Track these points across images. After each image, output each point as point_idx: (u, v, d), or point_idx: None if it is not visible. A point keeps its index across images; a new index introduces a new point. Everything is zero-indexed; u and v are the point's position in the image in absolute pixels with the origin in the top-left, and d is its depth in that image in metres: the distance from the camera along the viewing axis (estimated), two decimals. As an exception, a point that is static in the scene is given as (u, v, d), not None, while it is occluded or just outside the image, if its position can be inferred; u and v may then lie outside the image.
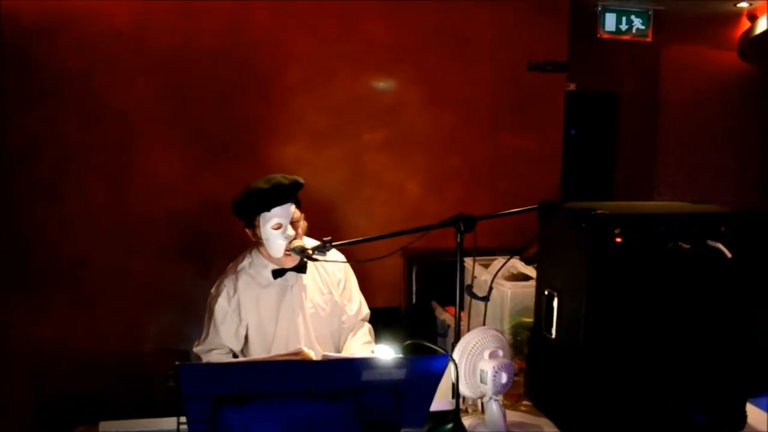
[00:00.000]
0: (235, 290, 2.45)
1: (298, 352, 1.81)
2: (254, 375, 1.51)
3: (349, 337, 2.57)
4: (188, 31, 3.46)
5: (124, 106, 3.41)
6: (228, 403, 1.47)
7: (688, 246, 1.81)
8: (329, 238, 2.22)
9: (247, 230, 2.45)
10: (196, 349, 2.47)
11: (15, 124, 3.28)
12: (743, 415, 1.92)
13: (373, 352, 2.43)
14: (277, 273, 2.44)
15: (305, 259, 2.40)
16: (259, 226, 2.37)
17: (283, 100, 3.63)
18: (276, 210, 2.34)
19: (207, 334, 2.46)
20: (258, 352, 2.46)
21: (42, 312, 3.35)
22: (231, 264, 2.54)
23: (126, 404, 3.25)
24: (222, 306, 2.44)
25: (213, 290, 2.50)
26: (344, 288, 2.59)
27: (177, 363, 1.43)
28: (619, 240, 1.78)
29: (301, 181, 2.42)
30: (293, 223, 2.37)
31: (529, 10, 3.90)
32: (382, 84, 3.79)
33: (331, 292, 2.55)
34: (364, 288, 2.69)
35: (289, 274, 2.45)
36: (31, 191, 3.33)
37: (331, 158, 3.73)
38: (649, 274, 1.81)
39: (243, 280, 2.46)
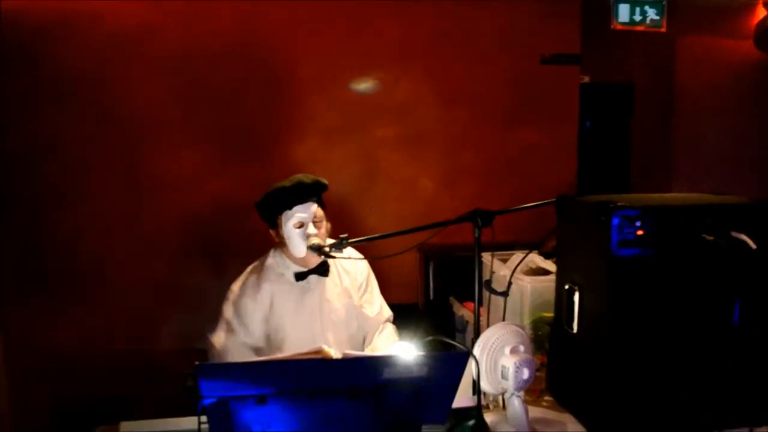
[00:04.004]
0: (258, 286, 2.44)
1: (318, 351, 1.81)
2: (274, 374, 1.50)
3: (375, 336, 2.55)
4: (199, 30, 3.45)
5: (136, 107, 3.41)
6: (248, 402, 1.47)
7: (711, 238, 1.78)
8: (346, 234, 2.21)
9: (271, 231, 2.45)
10: (219, 346, 2.40)
11: (28, 128, 3.30)
12: (770, 409, 1.89)
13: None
14: (300, 276, 2.43)
15: (327, 262, 2.40)
16: (281, 225, 2.37)
17: (295, 99, 3.62)
18: (297, 208, 2.35)
19: (231, 332, 2.41)
20: (276, 351, 2.45)
21: (59, 314, 3.36)
22: (255, 263, 2.53)
23: (144, 404, 3.25)
24: (247, 304, 2.43)
25: (236, 288, 2.47)
26: (365, 291, 2.58)
27: (196, 363, 1.42)
28: (640, 233, 1.76)
29: (325, 181, 2.43)
30: (315, 223, 2.36)
31: (540, 2, 3.87)
32: (394, 81, 3.76)
33: (350, 297, 2.54)
34: (380, 285, 2.67)
35: (311, 277, 2.44)
36: (45, 194, 3.34)
37: (344, 156, 3.71)
38: (672, 266, 1.79)
39: (267, 279, 2.45)
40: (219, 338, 2.43)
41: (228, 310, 2.45)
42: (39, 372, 3.37)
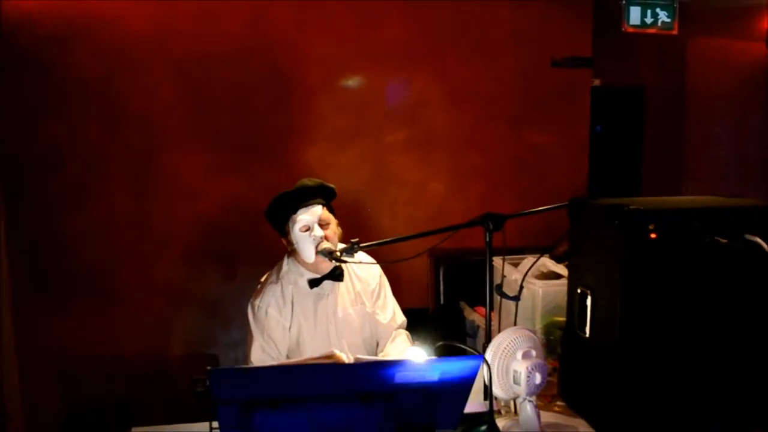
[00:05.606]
0: (282, 297, 2.42)
1: (330, 355, 1.80)
2: (286, 379, 1.50)
3: (388, 343, 2.54)
4: (208, 34, 3.46)
5: (146, 110, 3.42)
6: (260, 407, 1.46)
7: (725, 241, 1.77)
8: (357, 239, 2.21)
9: (282, 240, 2.45)
10: (261, 364, 2.35)
11: (38, 131, 3.31)
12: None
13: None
14: (314, 282, 2.42)
15: (340, 266, 2.39)
16: (289, 232, 2.37)
17: (304, 102, 3.62)
18: (302, 211, 2.34)
19: (262, 348, 2.40)
20: (293, 358, 2.44)
21: (69, 317, 3.37)
22: (268, 274, 2.51)
23: (154, 409, 3.25)
24: (273, 316, 2.41)
25: (257, 302, 2.43)
26: (378, 297, 2.56)
27: (208, 368, 1.42)
28: (653, 236, 1.74)
29: (330, 185, 2.42)
30: (322, 226, 2.35)
31: (551, 5, 3.85)
32: (404, 83, 3.76)
33: (363, 303, 2.52)
34: (391, 289, 2.66)
35: (326, 283, 2.43)
36: (56, 197, 3.35)
37: (354, 159, 3.71)
38: (686, 269, 1.78)
39: (284, 287, 2.44)
40: (257, 357, 2.40)
41: (257, 327, 2.42)
42: (50, 375, 3.38)
